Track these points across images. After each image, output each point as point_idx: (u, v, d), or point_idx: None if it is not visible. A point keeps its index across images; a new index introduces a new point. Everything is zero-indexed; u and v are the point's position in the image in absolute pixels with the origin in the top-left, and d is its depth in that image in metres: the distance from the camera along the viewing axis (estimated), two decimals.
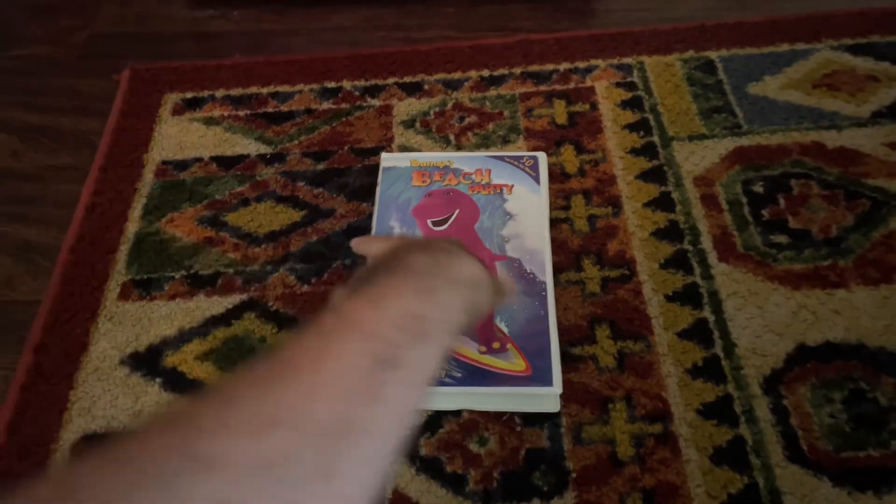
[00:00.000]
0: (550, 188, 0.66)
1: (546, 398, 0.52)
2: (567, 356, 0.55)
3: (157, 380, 0.57)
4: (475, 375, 0.52)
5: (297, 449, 0.26)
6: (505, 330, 0.54)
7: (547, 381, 0.51)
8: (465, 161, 0.66)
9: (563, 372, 0.54)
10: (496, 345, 0.53)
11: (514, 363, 0.52)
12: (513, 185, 0.64)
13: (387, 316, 0.32)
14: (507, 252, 0.60)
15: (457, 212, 0.62)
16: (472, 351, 0.53)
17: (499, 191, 0.63)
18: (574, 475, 0.51)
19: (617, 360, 0.56)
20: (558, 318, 0.57)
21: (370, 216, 0.64)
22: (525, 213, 0.62)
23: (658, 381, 0.54)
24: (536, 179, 0.64)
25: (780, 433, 0.52)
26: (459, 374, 0.52)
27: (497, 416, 0.53)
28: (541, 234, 0.61)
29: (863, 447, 0.51)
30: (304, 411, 0.27)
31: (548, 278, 0.58)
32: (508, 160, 0.65)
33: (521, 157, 0.66)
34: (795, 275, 0.60)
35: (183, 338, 0.59)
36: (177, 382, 0.57)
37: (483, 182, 0.64)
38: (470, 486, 0.50)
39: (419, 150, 0.69)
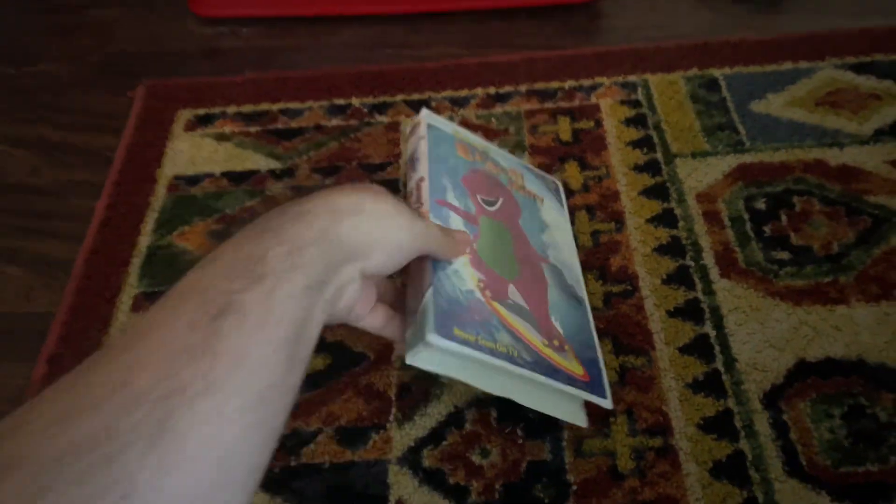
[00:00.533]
0: None
1: (579, 413, 0.51)
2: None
3: None
4: (542, 364, 0.47)
5: (123, 422, 0.25)
6: (560, 330, 0.50)
7: (602, 393, 0.49)
8: (501, 156, 0.59)
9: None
10: (556, 342, 0.49)
11: (574, 365, 0.49)
12: (543, 198, 0.60)
13: (218, 265, 0.30)
14: (548, 257, 0.55)
15: (502, 199, 0.55)
16: (537, 341, 0.48)
17: (533, 198, 0.59)
18: (575, 487, 0.51)
19: (618, 375, 0.56)
20: None
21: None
22: (557, 227, 0.59)
23: (659, 396, 0.55)
24: (561, 203, 0.62)
25: (779, 448, 0.52)
26: (530, 358, 0.46)
27: (499, 429, 0.54)
28: (572, 252, 0.58)
29: (862, 462, 0.51)
30: (123, 385, 0.26)
31: (584, 296, 0.56)
32: (537, 174, 0.62)
33: (546, 176, 0.63)
34: (797, 291, 0.60)
35: None
36: None
37: (519, 183, 0.59)
38: (472, 497, 0.51)
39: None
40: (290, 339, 0.30)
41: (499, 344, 0.44)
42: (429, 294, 0.43)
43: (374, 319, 0.44)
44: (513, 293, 0.49)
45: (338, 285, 0.35)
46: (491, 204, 0.53)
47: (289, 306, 0.30)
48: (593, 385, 0.49)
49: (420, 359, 0.42)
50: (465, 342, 0.42)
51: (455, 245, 0.45)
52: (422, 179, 0.49)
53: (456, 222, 0.48)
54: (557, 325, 0.50)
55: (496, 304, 0.46)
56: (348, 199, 0.36)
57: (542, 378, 0.46)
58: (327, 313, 0.34)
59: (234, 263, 0.31)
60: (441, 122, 0.55)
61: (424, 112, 0.55)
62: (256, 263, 0.30)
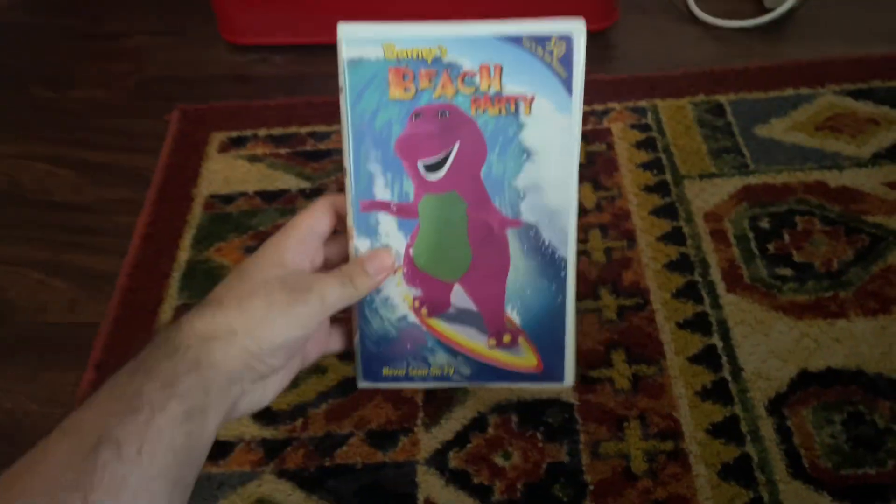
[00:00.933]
0: None
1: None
2: (585, 378, 0.60)
3: None
4: (483, 372, 0.47)
5: None
6: (517, 320, 0.46)
7: (558, 377, 0.47)
8: (466, 47, 0.40)
9: (582, 393, 0.59)
10: (507, 338, 0.46)
11: (525, 358, 0.46)
12: (533, 97, 0.41)
13: (94, 404, 0.32)
14: (521, 213, 0.43)
15: (456, 146, 0.42)
16: (481, 346, 0.46)
17: (513, 108, 0.41)
18: (591, 487, 0.55)
19: (631, 383, 0.60)
20: (578, 342, 0.61)
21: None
22: (547, 148, 0.42)
23: (670, 402, 0.59)
24: (568, 83, 0.41)
25: (783, 451, 0.56)
26: (468, 372, 0.47)
27: (521, 433, 0.58)
28: (566, 185, 0.43)
29: (861, 465, 0.55)
30: None
31: (569, 252, 0.44)
32: (528, 44, 0.40)
33: (548, 37, 0.40)
34: (799, 305, 0.64)
35: None
36: None
37: (492, 91, 0.41)
38: (495, 496, 0.55)
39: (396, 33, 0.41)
40: (171, 465, 0.31)
41: (433, 367, 0.46)
42: (356, 340, 0.45)
43: (335, 345, 0.45)
44: (457, 296, 0.45)
45: (229, 403, 0.36)
46: (438, 167, 0.42)
47: (166, 434, 0.31)
48: (548, 372, 0.47)
49: (366, 386, 0.47)
50: (395, 378, 0.47)
51: (367, 280, 0.41)
52: (343, 174, 0.42)
53: (388, 227, 0.43)
54: (514, 314, 0.46)
55: (433, 322, 0.45)
56: (213, 321, 0.36)
57: (481, 384, 0.48)
58: (222, 425, 0.36)
59: (110, 401, 0.32)
60: (364, 41, 0.40)
61: (342, 31, 0.40)
62: (132, 398, 0.32)
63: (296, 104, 0.87)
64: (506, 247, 0.44)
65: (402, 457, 0.57)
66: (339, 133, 0.84)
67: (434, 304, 0.45)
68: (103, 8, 1.06)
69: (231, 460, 0.58)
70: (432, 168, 0.42)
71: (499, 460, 0.57)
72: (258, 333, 0.36)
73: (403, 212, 0.43)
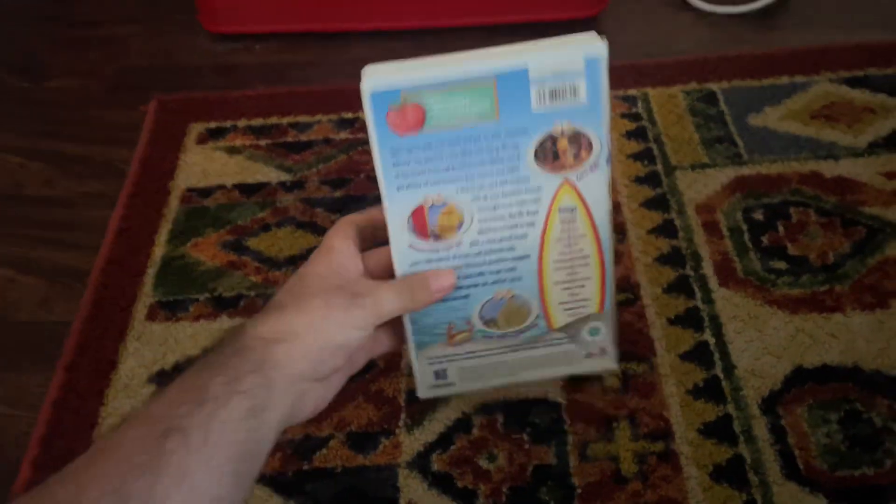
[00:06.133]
0: None
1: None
2: (573, 377, 0.58)
3: None
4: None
5: None
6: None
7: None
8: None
9: (569, 392, 0.57)
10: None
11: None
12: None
13: (166, 396, 0.34)
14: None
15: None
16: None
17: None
18: (579, 491, 0.53)
19: (621, 381, 0.58)
20: None
21: None
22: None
23: (660, 401, 0.57)
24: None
25: (777, 452, 0.54)
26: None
27: (506, 434, 0.56)
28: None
29: (858, 466, 0.53)
30: (76, 500, 0.30)
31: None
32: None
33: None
34: (794, 299, 0.62)
35: None
36: None
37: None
38: (480, 500, 0.53)
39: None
40: (233, 457, 0.33)
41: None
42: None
43: (380, 348, 0.45)
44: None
45: (291, 402, 0.37)
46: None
47: (229, 428, 0.33)
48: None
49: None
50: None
51: (427, 296, 0.41)
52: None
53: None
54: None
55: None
56: (276, 324, 0.37)
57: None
58: (284, 425, 0.37)
59: (179, 394, 0.34)
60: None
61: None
62: (199, 392, 0.34)
63: (277, 94, 0.85)
64: None
65: (384, 460, 0.55)
66: (322, 124, 0.82)
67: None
68: None
69: None
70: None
71: (483, 463, 0.55)
72: (318, 335, 0.38)
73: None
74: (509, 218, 0.42)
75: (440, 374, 0.45)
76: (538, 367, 0.46)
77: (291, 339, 0.37)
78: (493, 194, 0.41)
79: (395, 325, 0.44)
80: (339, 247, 0.41)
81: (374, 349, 0.44)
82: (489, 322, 0.44)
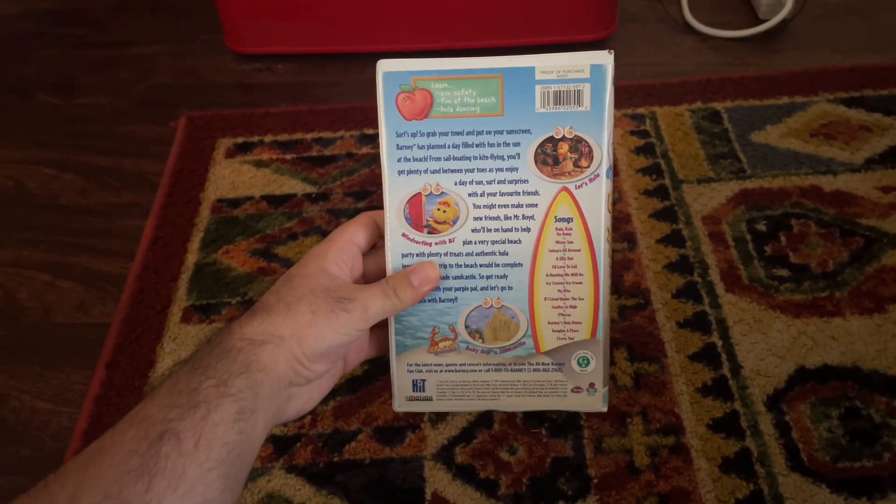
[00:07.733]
0: None
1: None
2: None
3: None
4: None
5: None
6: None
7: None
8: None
9: None
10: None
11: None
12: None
13: (157, 399, 0.34)
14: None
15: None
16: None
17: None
18: (595, 481, 0.56)
19: (634, 380, 0.61)
20: None
21: None
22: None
23: (671, 399, 0.60)
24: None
25: (782, 445, 0.57)
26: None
27: (526, 429, 0.59)
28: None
29: (858, 458, 0.56)
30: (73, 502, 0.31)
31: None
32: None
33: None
34: (796, 305, 0.66)
35: None
36: None
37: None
38: (501, 490, 0.56)
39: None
40: (225, 459, 0.33)
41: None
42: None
43: (377, 349, 0.45)
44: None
45: (277, 405, 0.37)
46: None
47: (220, 430, 0.33)
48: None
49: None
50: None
51: (412, 292, 0.41)
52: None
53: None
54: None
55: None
56: (262, 326, 0.37)
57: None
58: (272, 426, 0.38)
59: (170, 397, 0.34)
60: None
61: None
62: (190, 395, 0.34)
63: (300, 111, 0.89)
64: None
65: (410, 452, 0.58)
66: (344, 139, 0.86)
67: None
68: (110, 17, 1.08)
69: None
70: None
71: (504, 455, 0.58)
72: (304, 339, 0.37)
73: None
74: (504, 220, 0.42)
75: (418, 385, 0.45)
76: (520, 396, 0.44)
77: (277, 342, 0.37)
78: (491, 192, 0.41)
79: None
80: (340, 244, 0.41)
81: (369, 351, 0.45)
82: (475, 333, 0.43)
